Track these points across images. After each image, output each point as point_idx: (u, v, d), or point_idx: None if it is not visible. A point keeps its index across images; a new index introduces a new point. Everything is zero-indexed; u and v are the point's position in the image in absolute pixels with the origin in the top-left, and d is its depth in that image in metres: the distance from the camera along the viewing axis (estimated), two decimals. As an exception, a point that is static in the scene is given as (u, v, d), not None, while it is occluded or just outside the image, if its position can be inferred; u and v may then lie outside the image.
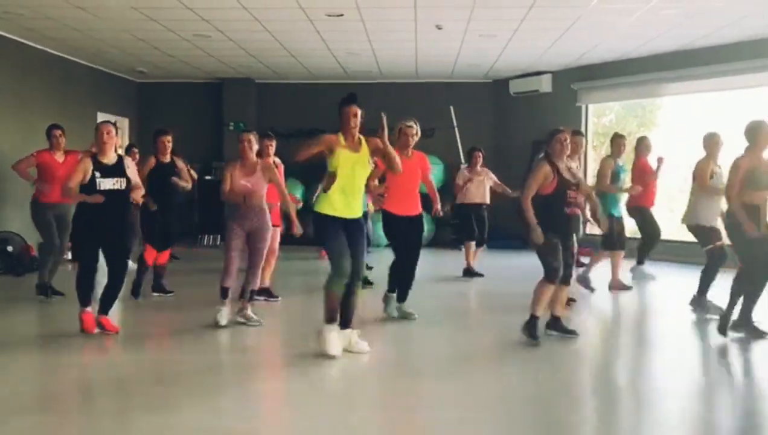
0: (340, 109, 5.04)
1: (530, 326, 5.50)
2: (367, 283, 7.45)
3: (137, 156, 9.23)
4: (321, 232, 4.99)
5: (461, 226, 9.29)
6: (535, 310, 5.49)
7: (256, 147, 6.08)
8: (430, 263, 9.60)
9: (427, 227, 12.31)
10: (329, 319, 4.98)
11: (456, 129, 12.89)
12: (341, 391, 4.49)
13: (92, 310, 5.67)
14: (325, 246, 5.02)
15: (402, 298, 6.38)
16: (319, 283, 7.84)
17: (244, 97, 13.43)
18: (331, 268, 4.99)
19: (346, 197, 4.97)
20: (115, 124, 5.85)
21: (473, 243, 8.98)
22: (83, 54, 11.03)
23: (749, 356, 5.47)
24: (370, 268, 7.82)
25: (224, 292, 5.98)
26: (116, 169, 5.58)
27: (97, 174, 5.49)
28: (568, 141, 5.57)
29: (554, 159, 5.47)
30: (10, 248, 8.59)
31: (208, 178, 12.84)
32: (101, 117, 12.25)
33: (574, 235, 5.70)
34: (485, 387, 4.58)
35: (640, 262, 8.48)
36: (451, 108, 12.97)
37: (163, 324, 6.20)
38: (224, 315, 5.92)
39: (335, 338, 4.94)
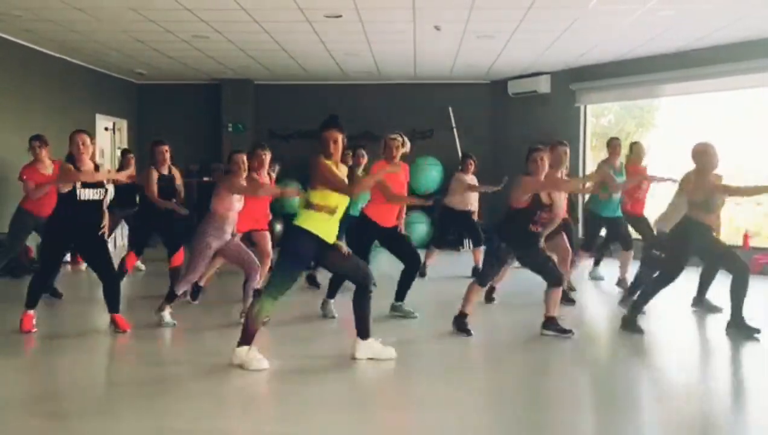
0: (320, 133, 4.75)
1: (458, 321, 5.88)
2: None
3: (132, 161, 9.21)
4: (290, 247, 4.71)
5: (438, 227, 9.30)
6: (463, 306, 5.87)
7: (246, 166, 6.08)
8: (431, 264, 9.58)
9: (426, 229, 12.46)
10: (248, 341, 4.77)
11: (455, 130, 12.90)
12: (339, 392, 4.48)
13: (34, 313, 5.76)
14: (285, 262, 4.73)
15: (401, 298, 6.46)
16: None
17: (243, 98, 13.43)
18: (272, 287, 4.73)
19: (332, 222, 4.79)
20: (89, 133, 5.75)
21: (436, 250, 9.05)
22: (82, 55, 11.03)
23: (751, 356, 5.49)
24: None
25: (175, 297, 6.05)
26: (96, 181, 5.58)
27: (77, 184, 5.48)
28: (545, 160, 5.63)
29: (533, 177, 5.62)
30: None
31: (206, 179, 12.83)
32: (100, 119, 12.29)
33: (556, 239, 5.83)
34: (483, 387, 4.59)
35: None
36: (450, 109, 12.99)
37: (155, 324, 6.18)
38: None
39: (256, 352, 4.79)
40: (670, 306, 6.88)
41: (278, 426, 3.87)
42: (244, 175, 6.01)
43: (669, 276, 5.92)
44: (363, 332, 5.01)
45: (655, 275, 6.14)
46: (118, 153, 11.62)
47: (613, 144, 7.88)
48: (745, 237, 10.05)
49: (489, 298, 7.09)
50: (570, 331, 5.74)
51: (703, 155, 5.78)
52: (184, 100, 13.62)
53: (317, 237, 4.72)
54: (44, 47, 10.35)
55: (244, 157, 6.02)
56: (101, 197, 5.63)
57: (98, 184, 5.60)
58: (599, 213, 7.73)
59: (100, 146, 12.26)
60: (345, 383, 4.68)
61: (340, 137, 4.74)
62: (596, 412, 4.22)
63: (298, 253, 4.73)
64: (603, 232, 8.25)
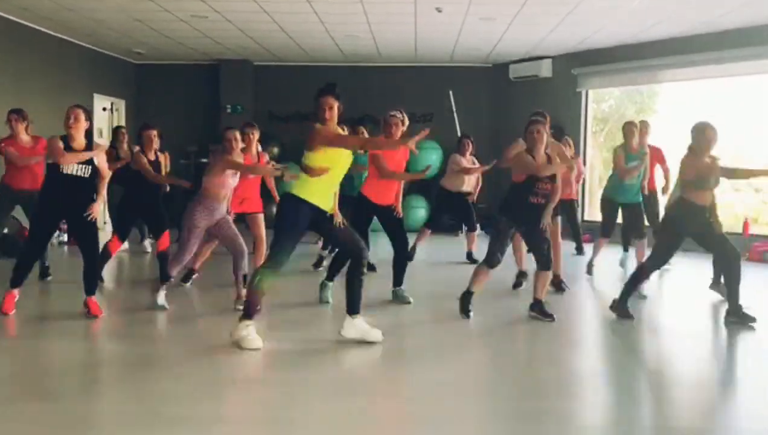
0: (316, 99, 4.80)
1: (463, 299, 5.82)
2: (371, 268, 7.49)
3: (125, 138, 9.11)
4: (284, 215, 4.71)
5: (434, 209, 9.25)
6: (470, 285, 5.81)
7: (242, 144, 6.01)
8: (427, 248, 9.56)
9: (424, 213, 12.40)
10: (250, 315, 4.77)
11: (455, 113, 12.83)
12: (331, 377, 4.46)
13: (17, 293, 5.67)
14: (281, 232, 4.70)
15: (398, 283, 6.42)
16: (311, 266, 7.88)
17: (242, 79, 13.34)
18: (271, 258, 4.77)
19: (328, 189, 4.78)
20: (86, 109, 5.64)
21: (428, 231, 8.95)
22: (79, 34, 10.93)
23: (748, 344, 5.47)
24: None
25: (169, 278, 5.95)
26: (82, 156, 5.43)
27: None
28: (542, 133, 5.65)
29: (531, 149, 5.69)
30: (5, 230, 8.53)
31: (204, 161, 12.77)
32: (98, 99, 12.20)
33: (549, 220, 5.81)
34: (477, 374, 4.57)
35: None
36: (450, 92, 12.90)
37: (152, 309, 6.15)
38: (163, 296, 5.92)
39: (254, 332, 4.79)
40: (682, 290, 6.83)
41: (268, 410, 3.85)
42: (239, 150, 5.95)
43: (659, 259, 5.90)
44: (351, 308, 4.94)
45: (646, 258, 6.10)
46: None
47: (626, 129, 7.65)
48: (745, 224, 10.02)
49: (518, 283, 7.05)
50: (551, 316, 5.74)
51: (698, 133, 5.68)
52: (182, 80, 13.52)
53: (311, 204, 4.71)
54: (41, 25, 10.24)
55: (237, 134, 5.94)
56: (86, 175, 5.46)
57: (86, 161, 5.45)
58: (616, 199, 7.60)
59: (98, 126, 12.16)
60: (338, 368, 4.66)
61: (336, 104, 4.76)
62: (592, 399, 4.21)
63: (292, 221, 4.71)
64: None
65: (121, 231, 6.99)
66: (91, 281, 5.67)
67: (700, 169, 5.62)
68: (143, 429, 3.47)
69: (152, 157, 6.85)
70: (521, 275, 7.09)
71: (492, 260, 5.72)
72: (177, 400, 3.89)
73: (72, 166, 5.40)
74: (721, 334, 5.68)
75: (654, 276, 7.87)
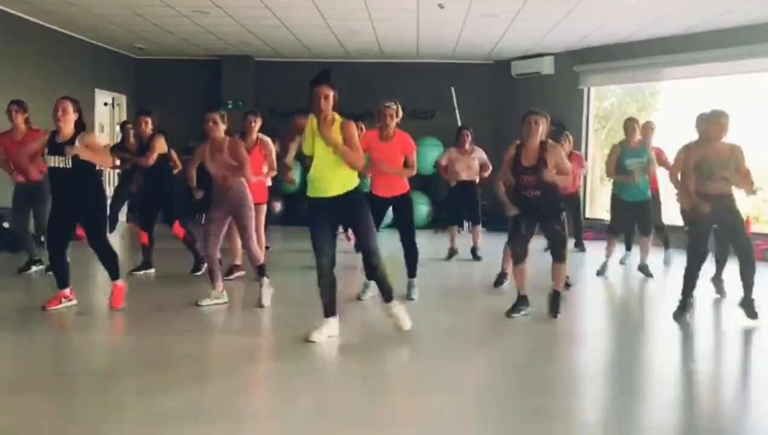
0: (310, 89, 4.71)
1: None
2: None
3: (132, 133, 9.15)
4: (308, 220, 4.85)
5: (445, 207, 9.23)
6: (519, 289, 5.77)
7: (223, 126, 5.93)
8: (430, 244, 9.56)
9: (426, 209, 12.39)
10: (325, 314, 4.91)
11: (457, 110, 12.81)
12: (331, 375, 4.46)
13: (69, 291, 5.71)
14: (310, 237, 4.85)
15: (412, 274, 6.36)
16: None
17: (244, 74, 13.32)
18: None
19: (322, 174, 4.74)
20: (74, 100, 5.59)
21: (455, 227, 9.01)
22: (80, 29, 10.91)
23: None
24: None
25: (210, 274, 5.97)
26: (64, 148, 5.40)
27: (46, 150, 5.45)
28: (539, 123, 5.63)
29: (525, 140, 5.70)
30: (6, 224, 8.53)
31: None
32: (99, 94, 12.19)
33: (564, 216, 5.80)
34: (480, 370, 4.57)
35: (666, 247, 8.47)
36: (452, 89, 12.88)
37: (156, 301, 6.15)
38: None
39: (327, 328, 4.90)
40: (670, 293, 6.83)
41: (268, 406, 3.85)
42: (220, 134, 5.90)
43: (696, 255, 5.71)
44: (383, 295, 5.05)
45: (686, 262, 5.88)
46: (118, 128, 11.56)
47: (626, 125, 7.58)
48: (746, 222, 9.99)
49: (499, 282, 7.02)
50: (555, 314, 5.74)
51: (715, 118, 5.65)
52: (184, 76, 13.50)
53: (313, 198, 4.77)
54: (42, 19, 10.22)
55: (216, 116, 5.87)
56: (68, 165, 5.38)
57: (63, 152, 5.38)
58: (624, 197, 7.54)
59: (100, 121, 12.17)
60: (336, 365, 4.66)
61: (331, 93, 4.67)
62: (597, 397, 4.21)
63: (309, 219, 4.80)
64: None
65: (143, 223, 7.22)
66: (110, 268, 5.70)
67: (707, 155, 5.57)
68: (140, 423, 3.48)
69: (146, 139, 7.16)
70: (502, 276, 7.03)
71: (516, 256, 5.77)
72: (183, 396, 3.89)
73: (52, 159, 5.43)
74: (727, 331, 5.68)
75: (658, 272, 7.90)
